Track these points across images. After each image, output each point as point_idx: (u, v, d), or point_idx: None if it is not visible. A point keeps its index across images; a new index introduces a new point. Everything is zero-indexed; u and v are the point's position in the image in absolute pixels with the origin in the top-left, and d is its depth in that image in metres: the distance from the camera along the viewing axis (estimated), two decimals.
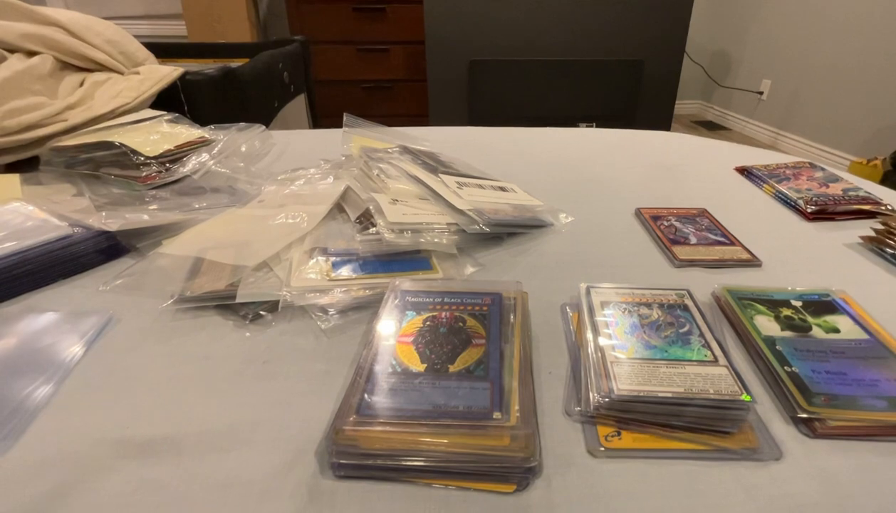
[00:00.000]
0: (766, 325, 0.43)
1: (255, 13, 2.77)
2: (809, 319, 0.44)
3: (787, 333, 0.42)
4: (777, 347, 0.41)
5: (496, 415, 0.33)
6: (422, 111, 2.72)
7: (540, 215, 0.64)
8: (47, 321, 0.44)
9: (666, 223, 0.63)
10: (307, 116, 1.90)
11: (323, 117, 2.02)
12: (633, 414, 0.35)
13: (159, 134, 0.78)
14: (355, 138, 0.82)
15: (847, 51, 2.44)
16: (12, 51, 0.88)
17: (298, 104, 1.81)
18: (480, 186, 0.68)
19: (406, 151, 0.75)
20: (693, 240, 0.60)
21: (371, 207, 0.57)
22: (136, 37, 1.10)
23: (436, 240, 0.55)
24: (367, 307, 0.47)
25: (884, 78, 2.29)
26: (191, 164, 0.74)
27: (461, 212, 0.58)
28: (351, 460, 0.32)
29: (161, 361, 0.41)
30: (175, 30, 3.05)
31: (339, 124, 0.87)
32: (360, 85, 2.79)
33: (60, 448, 0.33)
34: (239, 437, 0.34)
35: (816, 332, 0.42)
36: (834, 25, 2.50)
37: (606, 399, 0.35)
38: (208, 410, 0.37)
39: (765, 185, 0.76)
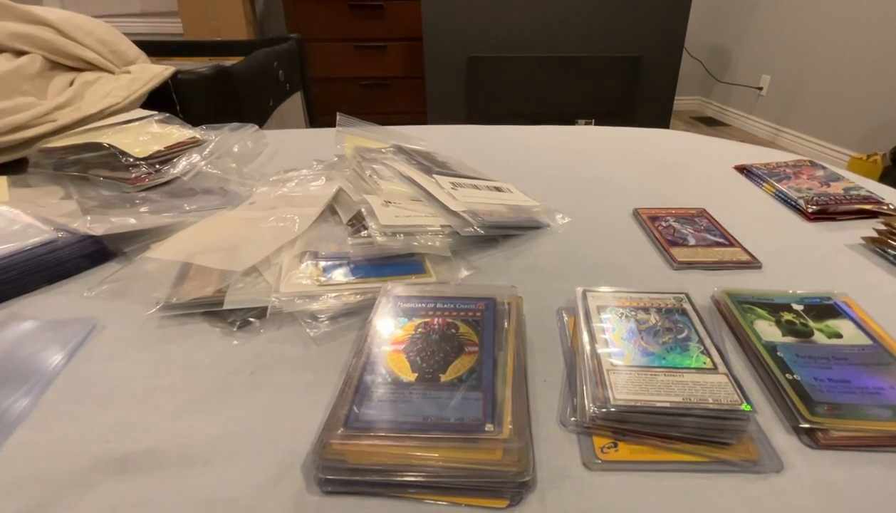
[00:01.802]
0: (767, 330, 0.42)
1: (251, 11, 2.75)
2: (811, 323, 0.43)
3: (789, 339, 0.41)
4: (778, 353, 0.39)
5: (488, 427, 0.32)
6: (420, 108, 2.70)
7: (536, 216, 0.63)
8: (29, 329, 0.43)
9: (664, 224, 0.62)
10: (304, 115, 1.89)
11: (320, 115, 2.01)
12: (630, 425, 0.34)
13: (149, 134, 0.76)
14: (349, 138, 0.81)
15: (847, 46, 2.43)
16: (0, 50, 0.87)
17: (295, 102, 1.80)
18: (476, 187, 0.67)
19: (400, 150, 0.74)
20: (692, 241, 0.58)
21: (363, 210, 0.56)
22: (132, 35, 1.09)
23: (429, 243, 0.53)
24: (359, 313, 0.46)
25: (883, 73, 2.28)
26: (181, 165, 0.73)
27: (455, 213, 0.57)
28: (338, 475, 0.31)
29: (145, 370, 0.40)
30: (171, 27, 3.03)
31: (335, 123, 0.86)
32: (358, 82, 2.78)
33: (38, 464, 0.32)
34: (223, 450, 0.33)
35: (818, 337, 0.41)
36: (833, 20, 2.48)
37: (603, 409, 0.34)
38: (192, 422, 0.35)
39: (765, 184, 0.75)
